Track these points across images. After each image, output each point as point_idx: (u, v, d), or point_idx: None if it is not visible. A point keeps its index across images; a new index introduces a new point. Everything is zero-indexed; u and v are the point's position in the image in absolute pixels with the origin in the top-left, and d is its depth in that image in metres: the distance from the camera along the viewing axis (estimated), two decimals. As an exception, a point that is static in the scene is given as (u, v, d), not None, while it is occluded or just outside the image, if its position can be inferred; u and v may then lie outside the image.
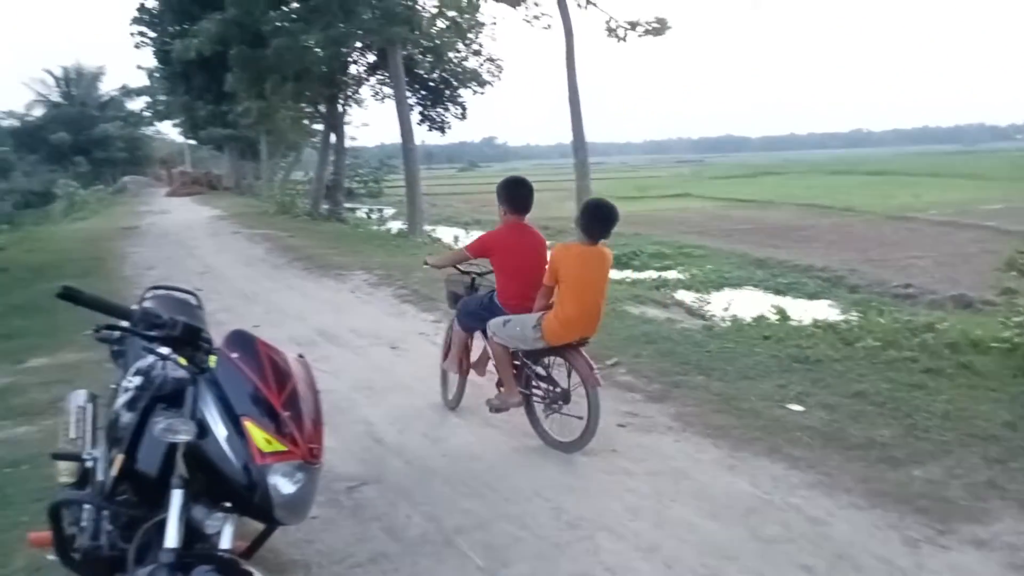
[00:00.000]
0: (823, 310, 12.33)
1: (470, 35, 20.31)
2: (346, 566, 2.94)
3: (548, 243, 4.25)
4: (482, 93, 21.51)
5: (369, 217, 26.35)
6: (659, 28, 12.90)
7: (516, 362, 4.10)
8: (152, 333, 1.79)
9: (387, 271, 10.04)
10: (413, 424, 4.43)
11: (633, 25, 13.04)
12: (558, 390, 3.96)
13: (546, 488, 3.52)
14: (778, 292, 15.89)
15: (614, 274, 15.40)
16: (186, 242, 15.16)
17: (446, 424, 4.42)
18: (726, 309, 9.03)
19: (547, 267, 3.91)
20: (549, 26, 13.83)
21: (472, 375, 4.54)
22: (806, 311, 10.98)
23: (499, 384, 4.19)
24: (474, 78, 21.29)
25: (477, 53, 21.16)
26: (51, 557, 2.19)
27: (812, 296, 15.33)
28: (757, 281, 17.10)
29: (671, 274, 17.99)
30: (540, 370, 4.07)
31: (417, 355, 6.01)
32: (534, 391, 4.07)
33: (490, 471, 3.74)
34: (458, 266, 4.53)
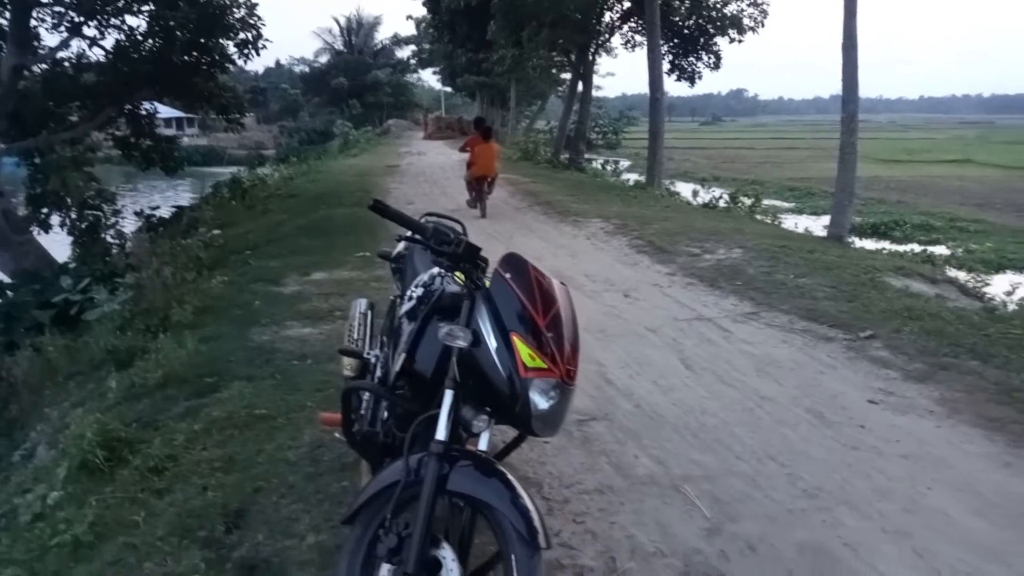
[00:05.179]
0: None
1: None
2: (574, 491, 3.08)
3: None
4: (740, 41, 20.04)
5: (604, 168, 26.41)
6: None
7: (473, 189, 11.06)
8: (441, 248, 1.98)
9: (623, 221, 10.05)
10: (644, 371, 4.46)
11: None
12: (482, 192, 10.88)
13: (781, 453, 3.37)
14: (1081, 281, 13.48)
15: (866, 244, 14.28)
16: (439, 182, 16.37)
17: (677, 375, 4.39)
18: (1010, 293, 7.86)
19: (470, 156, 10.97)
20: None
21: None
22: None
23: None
24: (734, 25, 19.83)
25: (741, -3, 19.79)
26: (337, 435, 2.58)
27: None
28: (1052, 266, 14.67)
29: (939, 249, 16.08)
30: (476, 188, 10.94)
31: (649, 305, 6.00)
32: (474, 194, 10.95)
33: (722, 427, 3.66)
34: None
